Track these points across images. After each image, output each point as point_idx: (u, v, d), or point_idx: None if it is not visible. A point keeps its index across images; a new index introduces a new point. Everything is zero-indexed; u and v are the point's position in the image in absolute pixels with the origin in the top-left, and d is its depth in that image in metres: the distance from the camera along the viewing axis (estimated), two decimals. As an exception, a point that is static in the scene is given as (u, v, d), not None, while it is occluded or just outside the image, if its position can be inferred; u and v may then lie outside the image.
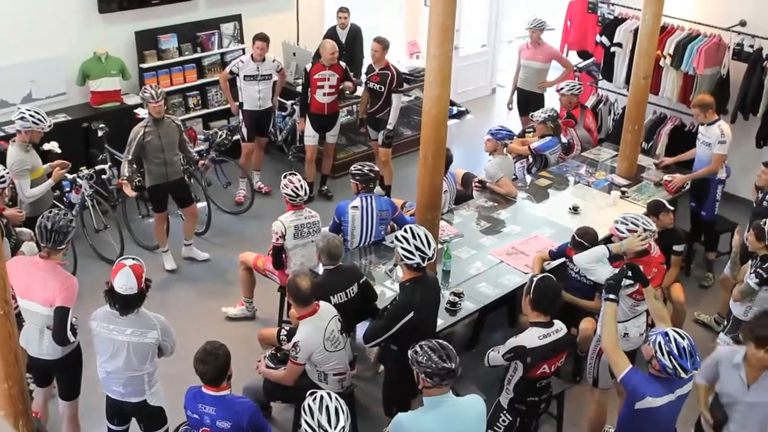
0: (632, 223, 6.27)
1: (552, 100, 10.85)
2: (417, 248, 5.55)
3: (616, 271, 5.79)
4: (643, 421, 4.90)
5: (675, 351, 4.72)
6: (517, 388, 5.54)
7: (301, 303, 5.72)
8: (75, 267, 7.74)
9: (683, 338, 4.77)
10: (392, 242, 7.15)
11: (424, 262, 5.58)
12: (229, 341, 5.10)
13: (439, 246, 7.02)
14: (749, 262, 6.60)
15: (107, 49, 9.33)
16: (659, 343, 4.76)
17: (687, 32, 9.75)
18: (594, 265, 6.13)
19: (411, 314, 5.58)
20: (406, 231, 5.65)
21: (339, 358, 5.84)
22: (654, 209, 7.22)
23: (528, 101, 10.78)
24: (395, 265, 6.56)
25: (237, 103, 9.67)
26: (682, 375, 4.75)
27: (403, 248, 5.59)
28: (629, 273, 5.67)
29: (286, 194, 7.07)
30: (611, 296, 5.43)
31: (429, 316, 5.81)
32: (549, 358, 5.46)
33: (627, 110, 8.91)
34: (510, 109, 11.23)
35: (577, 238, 6.72)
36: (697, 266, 8.83)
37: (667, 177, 8.61)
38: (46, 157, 7.76)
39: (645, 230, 6.21)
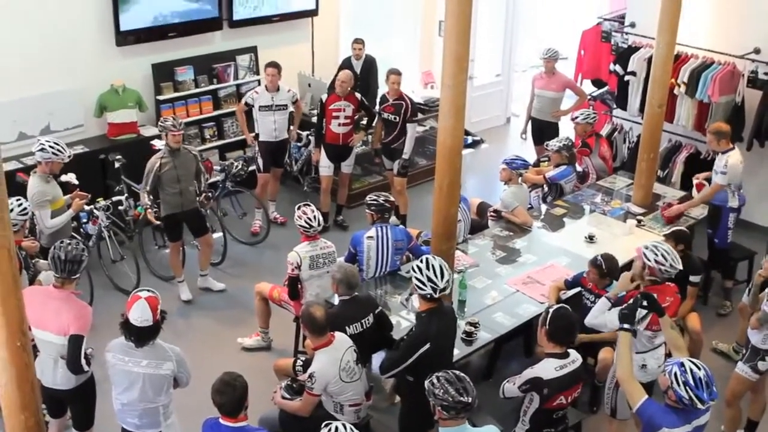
0: (662, 255, 6.10)
1: (566, 129, 10.86)
2: (429, 279, 5.52)
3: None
4: None
5: (691, 381, 4.66)
6: (533, 419, 5.50)
7: (316, 333, 5.71)
8: (92, 298, 7.77)
9: (699, 368, 4.70)
10: (408, 272, 7.19)
11: (435, 293, 5.53)
12: (245, 372, 5.09)
13: (455, 276, 7.01)
14: (766, 290, 6.54)
15: (124, 81, 9.41)
16: (675, 373, 4.70)
17: (701, 60, 9.76)
18: (601, 317, 6.08)
19: (427, 345, 5.54)
20: (421, 261, 5.63)
21: (355, 389, 5.82)
22: (680, 240, 7.17)
23: (542, 130, 10.79)
24: (411, 294, 6.55)
25: (252, 135, 9.70)
26: (699, 406, 4.68)
27: (416, 278, 5.58)
28: (644, 303, 5.60)
29: (300, 225, 7.09)
30: (626, 326, 5.37)
31: (445, 347, 5.78)
32: (565, 389, 5.43)
33: (642, 138, 8.90)
34: (524, 138, 11.24)
35: (598, 261, 6.71)
36: (714, 294, 8.76)
37: (665, 203, 8.63)
38: (64, 188, 7.81)
39: (672, 267, 6.13)
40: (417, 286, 5.59)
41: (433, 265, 5.56)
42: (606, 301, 6.13)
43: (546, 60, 10.62)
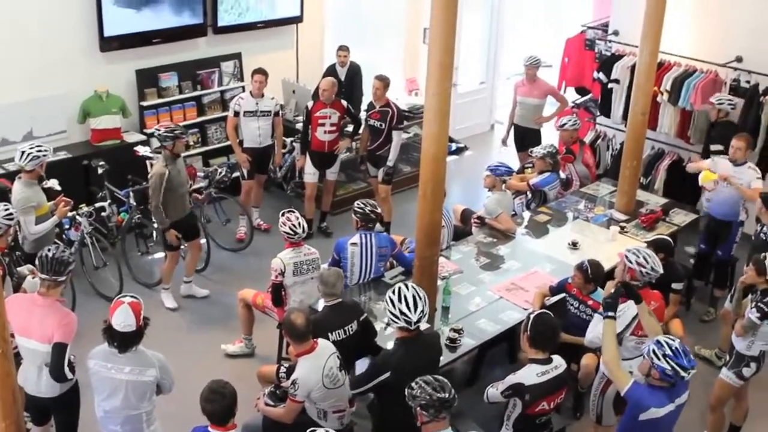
0: (644, 258, 6.23)
1: (549, 136, 10.91)
2: (401, 312, 5.45)
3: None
4: None
5: (670, 352, 4.91)
6: (516, 424, 5.51)
7: (297, 340, 5.70)
8: (74, 304, 7.73)
9: (673, 340, 5.00)
10: (392, 279, 7.20)
11: (411, 326, 5.48)
12: (229, 378, 5.07)
13: (438, 282, 7.03)
14: (749, 296, 6.59)
15: (108, 87, 9.39)
16: (653, 350, 4.95)
17: (684, 68, 9.84)
18: (596, 330, 6.10)
19: (387, 374, 5.50)
20: (393, 292, 5.53)
21: (338, 395, 5.80)
22: (661, 248, 7.19)
23: (525, 137, 10.84)
24: (388, 325, 6.44)
25: (241, 148, 9.67)
26: (682, 374, 4.90)
27: (389, 310, 5.51)
28: (623, 291, 5.73)
29: (285, 232, 7.09)
30: (610, 314, 5.49)
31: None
32: (548, 394, 5.44)
33: (625, 146, 8.95)
34: (506, 145, 11.25)
35: (584, 266, 6.76)
36: (697, 300, 8.81)
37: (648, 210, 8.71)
38: (47, 194, 7.78)
39: (653, 270, 6.22)
40: (390, 319, 5.54)
41: (405, 296, 5.48)
42: (599, 317, 6.16)
43: (528, 67, 10.66)
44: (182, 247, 8.60)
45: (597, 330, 6.05)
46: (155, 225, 8.57)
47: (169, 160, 7.97)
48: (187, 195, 8.30)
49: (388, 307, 5.50)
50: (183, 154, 8.31)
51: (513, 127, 11.03)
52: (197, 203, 8.65)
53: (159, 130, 8.08)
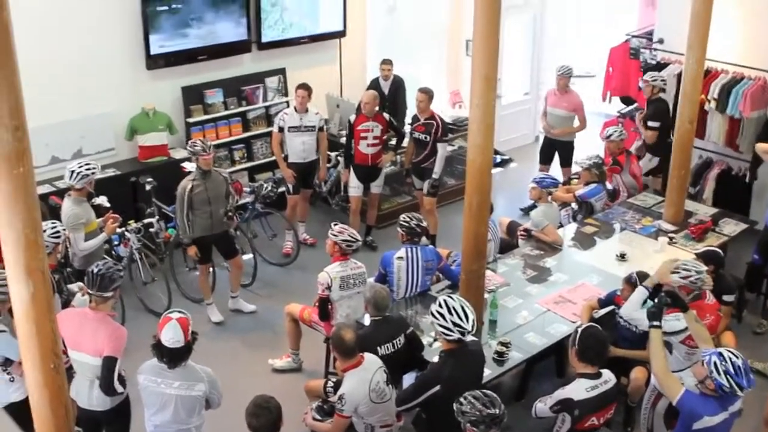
0: (683, 270, 6.18)
1: (582, 147, 10.81)
2: (455, 324, 5.43)
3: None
4: None
5: (731, 370, 4.85)
6: (565, 440, 5.45)
7: (345, 355, 5.70)
8: (123, 319, 7.81)
9: (737, 357, 4.92)
10: (438, 292, 7.17)
11: (464, 336, 5.46)
12: (276, 393, 5.10)
13: (485, 295, 6.99)
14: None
15: (154, 104, 9.51)
16: (714, 363, 4.88)
17: (731, 76, 9.70)
18: (636, 313, 6.07)
19: (437, 388, 5.48)
20: (441, 305, 5.50)
21: (385, 410, 5.79)
22: (711, 259, 7.07)
23: (554, 148, 10.80)
24: (435, 339, 6.41)
25: (286, 163, 9.69)
26: (738, 393, 4.87)
27: (440, 325, 5.47)
28: (668, 300, 5.69)
29: (343, 241, 7.06)
30: (655, 323, 5.46)
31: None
32: (598, 410, 5.38)
33: (673, 155, 8.84)
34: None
35: (633, 279, 6.64)
36: (749, 313, 8.65)
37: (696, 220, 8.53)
38: (97, 210, 7.88)
39: (698, 272, 6.15)
40: (442, 333, 5.48)
41: (454, 308, 5.46)
42: (643, 290, 6.16)
43: (560, 77, 10.56)
44: (224, 265, 8.66)
45: (636, 314, 6.02)
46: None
47: (198, 175, 8.06)
48: (221, 215, 8.27)
49: (438, 321, 5.46)
50: (230, 170, 8.31)
51: (543, 139, 10.96)
52: (227, 225, 8.60)
53: (188, 145, 8.22)
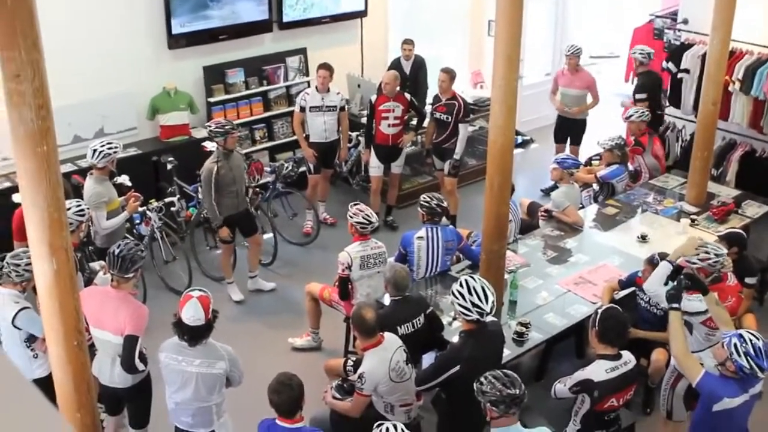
0: (704, 253, 6.16)
1: (593, 127, 10.75)
2: (473, 304, 5.42)
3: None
4: (720, 423, 4.99)
5: (752, 351, 4.83)
6: (584, 420, 5.46)
7: (366, 334, 5.72)
8: (144, 298, 7.86)
9: (758, 339, 4.90)
10: (458, 273, 7.17)
11: (482, 317, 5.46)
12: (296, 371, 5.13)
13: (506, 276, 6.99)
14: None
15: (176, 83, 9.53)
16: (735, 344, 4.87)
17: (756, 57, 9.59)
18: (660, 290, 6.06)
19: (457, 368, 5.48)
20: (461, 285, 5.49)
21: (405, 389, 5.81)
22: (734, 241, 7.03)
23: (565, 128, 10.74)
24: (454, 319, 6.47)
25: (307, 143, 9.70)
26: (759, 374, 4.86)
27: (459, 304, 5.47)
28: (688, 282, 5.69)
29: (357, 223, 7.08)
30: (674, 305, 5.47)
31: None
32: (618, 391, 5.38)
33: (696, 137, 8.78)
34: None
35: (655, 260, 6.60)
36: (771, 295, 8.61)
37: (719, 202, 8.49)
38: (119, 189, 7.93)
39: (717, 255, 6.13)
40: (461, 312, 5.48)
41: (474, 288, 5.45)
42: (668, 265, 6.13)
43: (569, 56, 10.52)
44: (244, 244, 8.71)
45: (661, 290, 6.01)
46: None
47: (221, 156, 8.06)
48: (243, 192, 8.34)
49: (458, 300, 5.46)
50: (250, 150, 8.32)
51: (557, 118, 10.92)
52: (252, 201, 8.69)
53: (210, 126, 8.19)
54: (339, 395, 6.02)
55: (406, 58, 10.73)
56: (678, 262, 6.21)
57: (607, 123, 11.21)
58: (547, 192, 10.31)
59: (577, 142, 10.84)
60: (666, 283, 6.14)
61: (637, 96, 10.03)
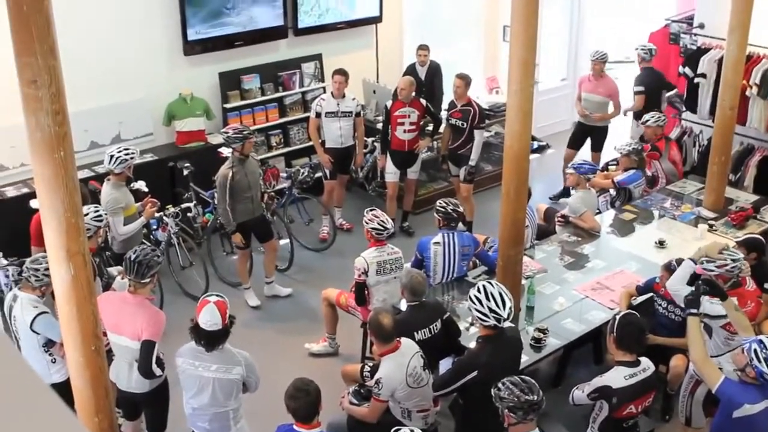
0: (720, 259, 6.12)
1: (616, 133, 10.70)
2: (491, 310, 5.42)
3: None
4: (740, 430, 4.95)
5: None
6: (602, 427, 5.43)
7: (383, 340, 5.71)
8: (161, 303, 7.88)
9: None
10: (475, 278, 7.15)
11: (500, 322, 5.44)
12: (313, 377, 5.13)
13: (523, 282, 6.96)
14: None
15: (192, 90, 9.55)
16: (755, 350, 4.83)
17: (774, 61, 9.55)
18: (683, 290, 6.02)
19: (474, 373, 5.46)
20: (479, 290, 5.49)
21: (422, 395, 5.80)
22: (752, 247, 6.98)
23: (587, 135, 10.72)
24: (471, 324, 6.46)
25: (323, 149, 9.70)
26: None
27: (477, 310, 5.46)
28: (706, 288, 5.64)
29: (373, 229, 7.08)
30: (693, 311, 5.43)
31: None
32: (636, 398, 5.34)
33: (713, 142, 8.73)
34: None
35: (673, 266, 6.56)
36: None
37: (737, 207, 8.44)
38: (135, 195, 7.95)
39: (734, 260, 6.09)
40: (479, 318, 5.48)
41: (492, 294, 5.45)
42: (691, 264, 6.09)
43: (595, 62, 10.49)
44: (260, 249, 8.71)
45: (683, 291, 5.97)
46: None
47: (236, 161, 8.06)
48: (258, 197, 8.34)
49: (475, 306, 5.45)
50: (266, 156, 8.33)
51: (576, 124, 10.88)
52: (268, 206, 8.71)
53: (227, 132, 8.18)
54: (356, 401, 6.01)
55: (422, 63, 10.73)
56: (695, 269, 6.17)
57: (626, 129, 11.15)
58: (555, 199, 10.28)
59: (598, 148, 10.80)
60: (689, 283, 6.11)
61: (635, 89, 10.30)
